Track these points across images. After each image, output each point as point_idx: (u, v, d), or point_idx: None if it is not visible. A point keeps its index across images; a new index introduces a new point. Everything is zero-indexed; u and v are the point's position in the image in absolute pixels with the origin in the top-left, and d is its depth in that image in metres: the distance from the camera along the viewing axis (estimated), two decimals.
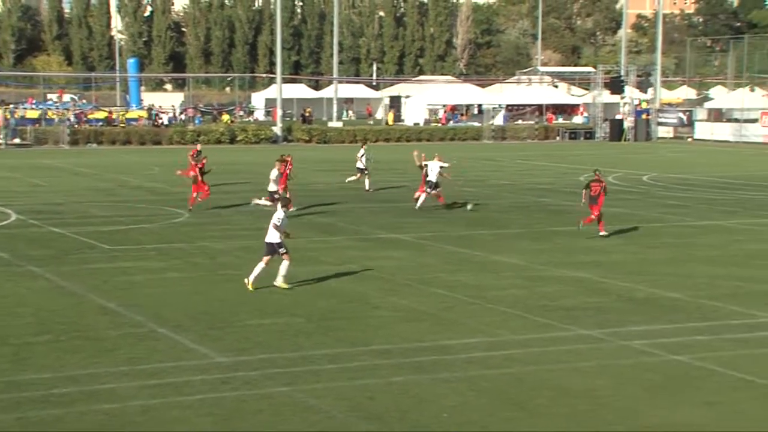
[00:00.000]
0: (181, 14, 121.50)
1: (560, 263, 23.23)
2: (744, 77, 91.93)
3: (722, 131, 73.70)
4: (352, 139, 70.67)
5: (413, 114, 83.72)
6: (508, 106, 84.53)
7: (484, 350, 15.72)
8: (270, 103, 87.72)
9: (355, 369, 14.67)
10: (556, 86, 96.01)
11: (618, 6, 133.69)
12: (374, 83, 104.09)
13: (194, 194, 32.17)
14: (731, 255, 24.59)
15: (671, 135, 76.84)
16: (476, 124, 79.32)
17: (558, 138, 76.57)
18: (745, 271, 22.48)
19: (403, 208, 33.53)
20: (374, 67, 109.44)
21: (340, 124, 78.13)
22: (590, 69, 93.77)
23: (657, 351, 15.71)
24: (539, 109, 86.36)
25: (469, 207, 32.80)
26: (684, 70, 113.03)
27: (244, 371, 14.47)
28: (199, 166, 32.49)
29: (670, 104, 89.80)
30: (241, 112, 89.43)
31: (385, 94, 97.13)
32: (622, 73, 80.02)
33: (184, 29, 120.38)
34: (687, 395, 13.61)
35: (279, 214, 20.02)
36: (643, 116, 76.03)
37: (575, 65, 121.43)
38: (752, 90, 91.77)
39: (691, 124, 77.02)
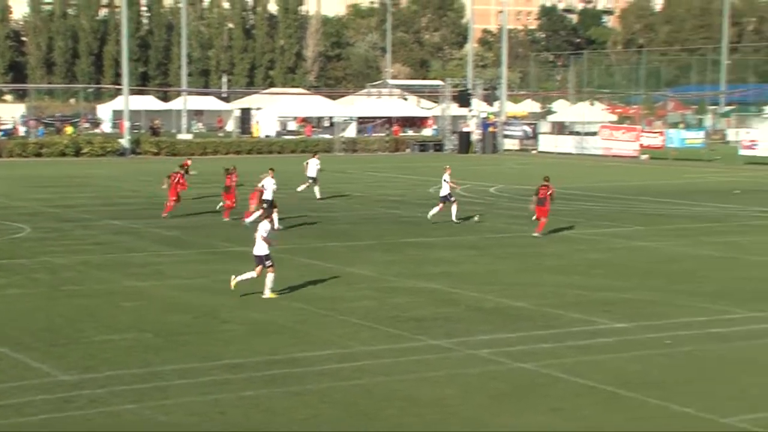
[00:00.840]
0: (21, 23, 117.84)
1: (411, 274, 23.51)
2: (584, 91, 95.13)
3: (565, 144, 76.00)
4: (202, 151, 69.83)
5: (264, 126, 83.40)
6: (359, 118, 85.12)
7: (335, 362, 15.77)
8: (117, 115, 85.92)
9: (206, 384, 14.51)
10: (406, 99, 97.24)
11: (464, 21, 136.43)
12: (224, 95, 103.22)
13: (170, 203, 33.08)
14: (574, 264, 25.36)
15: (517, 147, 78.72)
16: (327, 136, 79.59)
17: (408, 150, 77.48)
18: (587, 279, 23.22)
19: (252, 221, 33.25)
20: (224, 79, 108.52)
21: (189, 137, 77.09)
22: (438, 82, 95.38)
23: (503, 359, 16.07)
24: (389, 121, 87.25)
25: (475, 219, 33.46)
26: (528, 84, 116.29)
27: (89, 389, 14.12)
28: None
29: (515, 117, 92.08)
30: (87, 124, 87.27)
31: (236, 106, 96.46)
32: (469, 86, 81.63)
33: (24, 38, 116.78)
34: (532, 402, 13.96)
35: (266, 225, 20.55)
36: (490, 129, 77.72)
37: (424, 78, 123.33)
38: (592, 104, 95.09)
39: (535, 136, 79.10)
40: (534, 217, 30.30)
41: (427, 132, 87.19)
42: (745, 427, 12.90)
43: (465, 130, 78.81)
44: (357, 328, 18.17)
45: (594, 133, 74.66)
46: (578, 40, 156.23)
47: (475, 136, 77.74)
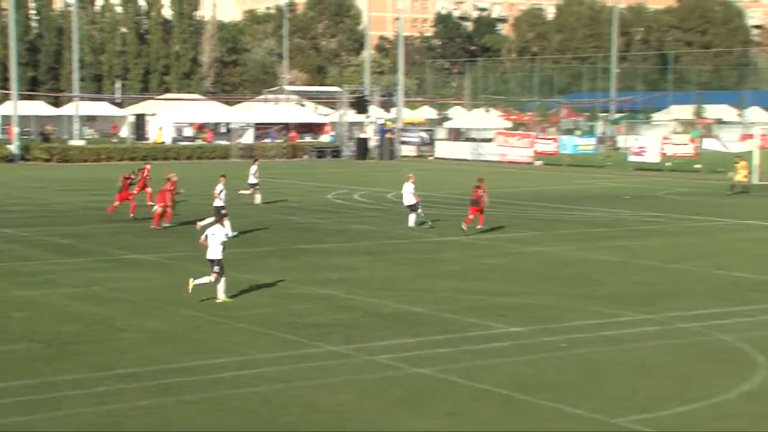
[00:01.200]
0: None
1: (308, 281, 23.48)
2: (480, 98, 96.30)
3: (461, 150, 76.81)
4: (95, 157, 68.59)
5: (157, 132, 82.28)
6: (256, 124, 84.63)
7: (232, 370, 15.66)
8: (6, 121, 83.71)
9: (100, 394, 14.26)
10: (303, 105, 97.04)
11: (361, 28, 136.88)
12: (118, 101, 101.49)
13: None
14: (471, 269, 25.64)
15: (414, 153, 79.25)
16: (224, 142, 78.94)
17: (306, 157, 77.36)
18: (483, 284, 23.51)
19: (146, 228, 32.84)
20: (117, 84, 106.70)
21: (82, 143, 75.60)
22: (336, 88, 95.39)
23: (401, 364, 16.17)
24: (286, 127, 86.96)
25: (429, 224, 33.58)
26: (425, 91, 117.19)
27: None
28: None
29: (412, 124, 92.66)
30: None
31: (130, 111, 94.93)
32: (367, 92, 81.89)
33: None
34: (429, 407, 14.08)
35: (224, 229, 21.05)
36: (387, 135, 78.09)
37: (321, 85, 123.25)
38: (487, 111, 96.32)
39: (432, 143, 79.76)
40: (470, 217, 31.92)
41: (325, 138, 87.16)
42: (633, 427, 13.23)
43: (362, 136, 79.04)
44: (254, 335, 18.07)
45: (490, 140, 75.63)
46: (473, 48, 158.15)
47: (373, 142, 78.04)
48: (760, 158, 54.24)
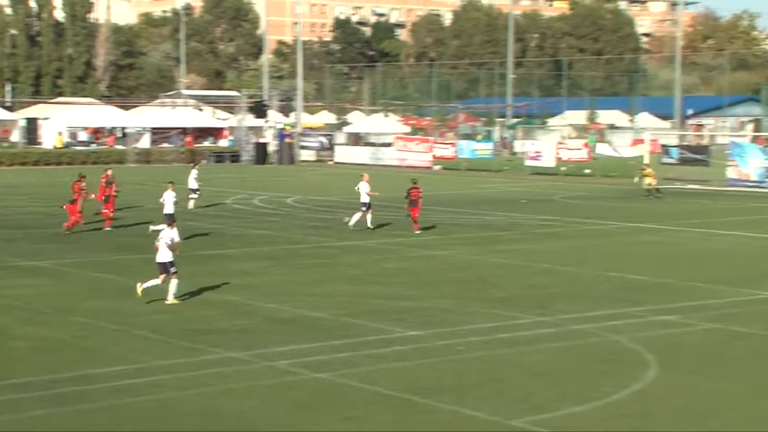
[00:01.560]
0: None
1: (208, 286, 23.28)
2: (379, 103, 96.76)
3: (360, 155, 77.06)
4: None
5: (53, 137, 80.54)
6: (153, 129, 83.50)
7: (129, 378, 15.46)
8: None
9: None
10: (201, 110, 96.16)
11: (259, 32, 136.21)
12: (8, 104, 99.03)
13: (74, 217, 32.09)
14: (371, 274, 25.77)
15: (314, 158, 79.21)
16: (120, 147, 77.73)
17: (204, 162, 76.62)
18: (383, 289, 23.65)
19: (39, 234, 32.19)
20: (7, 88, 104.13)
21: None
22: (234, 93, 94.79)
23: (301, 370, 16.18)
24: (184, 132, 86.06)
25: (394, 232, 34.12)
26: (324, 96, 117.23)
27: None
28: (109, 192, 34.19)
29: (311, 128, 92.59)
30: None
31: (21, 115, 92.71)
32: (265, 97, 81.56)
33: None
34: (328, 411, 14.13)
35: (172, 233, 21.33)
36: (287, 140, 77.92)
37: (219, 89, 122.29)
38: (386, 115, 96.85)
39: (331, 147, 79.82)
40: (415, 216, 33.85)
41: (224, 143, 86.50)
42: (529, 428, 13.48)
43: (261, 141, 78.69)
44: (151, 342, 17.87)
45: (389, 144, 76.06)
46: (372, 53, 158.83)
47: (272, 147, 77.75)
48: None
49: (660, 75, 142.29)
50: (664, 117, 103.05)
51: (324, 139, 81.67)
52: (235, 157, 77.60)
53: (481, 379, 15.80)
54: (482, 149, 73.92)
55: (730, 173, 54.52)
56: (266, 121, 79.42)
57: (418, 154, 71.66)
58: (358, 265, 27.26)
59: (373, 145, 79.91)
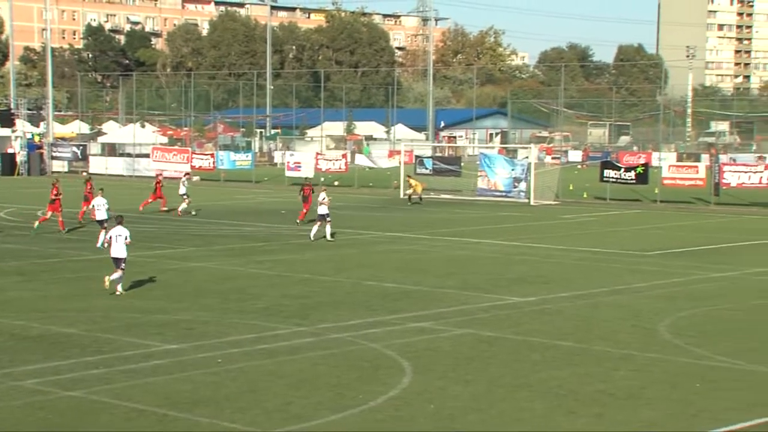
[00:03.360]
0: None
1: None
2: (135, 113, 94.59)
3: (116, 165, 75.12)
4: None
5: None
6: None
7: None
8: None
9: None
10: None
11: (4, 37, 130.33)
12: None
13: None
14: (127, 288, 25.06)
15: (66, 169, 76.52)
16: None
17: None
18: (141, 302, 23.10)
19: None
20: None
21: None
22: None
23: (51, 389, 15.56)
24: None
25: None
26: (77, 105, 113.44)
27: None
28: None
29: (64, 138, 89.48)
30: None
31: None
32: (13, 105, 78.11)
33: None
34: (82, 429, 13.64)
35: (124, 231, 23.80)
36: (37, 150, 74.89)
37: None
38: (143, 126, 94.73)
39: (85, 158, 77.36)
40: (304, 212, 38.38)
41: None
42: None
43: (9, 151, 75.29)
44: None
45: (146, 155, 74.46)
46: (127, 62, 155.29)
47: (20, 157, 74.58)
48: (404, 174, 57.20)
49: (414, 88, 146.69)
50: (418, 129, 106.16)
51: (77, 150, 79.00)
52: None
53: (240, 390, 15.72)
54: (242, 160, 73.57)
55: (480, 183, 56.79)
56: (14, 131, 76.02)
57: (176, 165, 70.44)
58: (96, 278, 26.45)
59: (129, 155, 78.06)
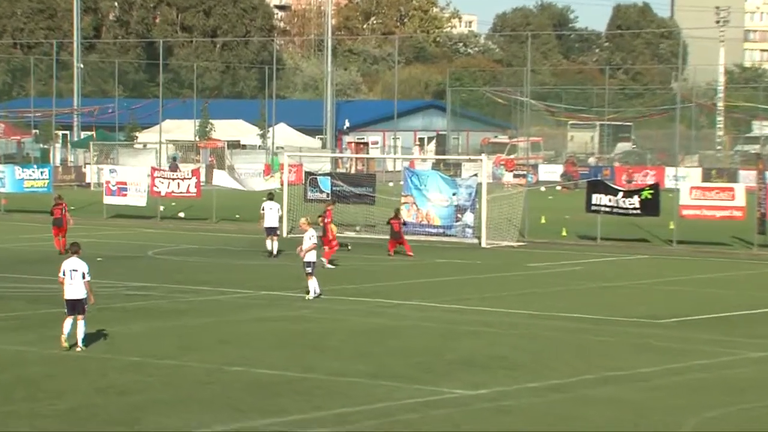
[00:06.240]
0: None
1: None
2: None
3: None
4: None
5: None
6: None
7: None
8: None
9: None
10: None
11: None
12: None
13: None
14: None
15: None
16: None
17: None
18: None
19: None
20: None
21: None
22: None
23: None
24: None
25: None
26: None
27: None
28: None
29: None
30: None
31: None
32: None
33: None
34: None
35: (85, 267, 27.78)
36: None
37: None
38: None
39: None
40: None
41: None
42: None
43: None
44: None
45: None
46: None
47: None
48: None
49: (303, 68, 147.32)
50: (310, 131, 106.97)
51: None
52: None
53: None
54: (34, 179, 72.48)
55: (405, 214, 57.21)
56: None
57: None
58: None
59: None
